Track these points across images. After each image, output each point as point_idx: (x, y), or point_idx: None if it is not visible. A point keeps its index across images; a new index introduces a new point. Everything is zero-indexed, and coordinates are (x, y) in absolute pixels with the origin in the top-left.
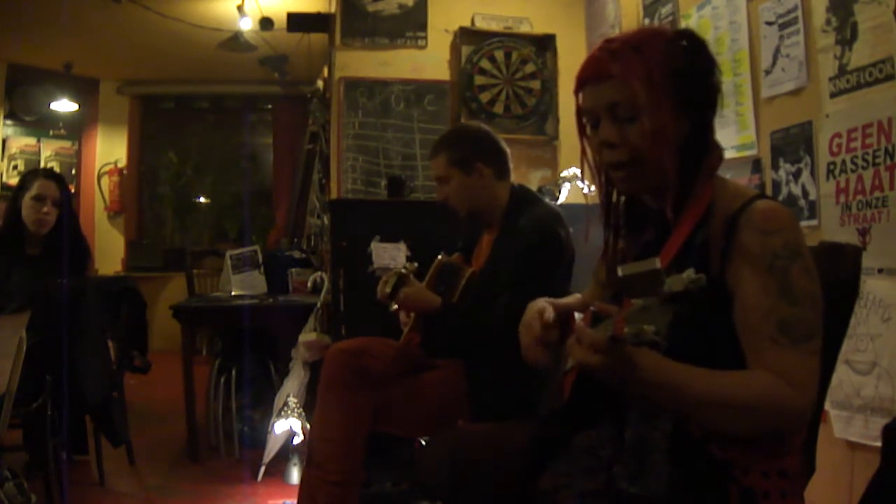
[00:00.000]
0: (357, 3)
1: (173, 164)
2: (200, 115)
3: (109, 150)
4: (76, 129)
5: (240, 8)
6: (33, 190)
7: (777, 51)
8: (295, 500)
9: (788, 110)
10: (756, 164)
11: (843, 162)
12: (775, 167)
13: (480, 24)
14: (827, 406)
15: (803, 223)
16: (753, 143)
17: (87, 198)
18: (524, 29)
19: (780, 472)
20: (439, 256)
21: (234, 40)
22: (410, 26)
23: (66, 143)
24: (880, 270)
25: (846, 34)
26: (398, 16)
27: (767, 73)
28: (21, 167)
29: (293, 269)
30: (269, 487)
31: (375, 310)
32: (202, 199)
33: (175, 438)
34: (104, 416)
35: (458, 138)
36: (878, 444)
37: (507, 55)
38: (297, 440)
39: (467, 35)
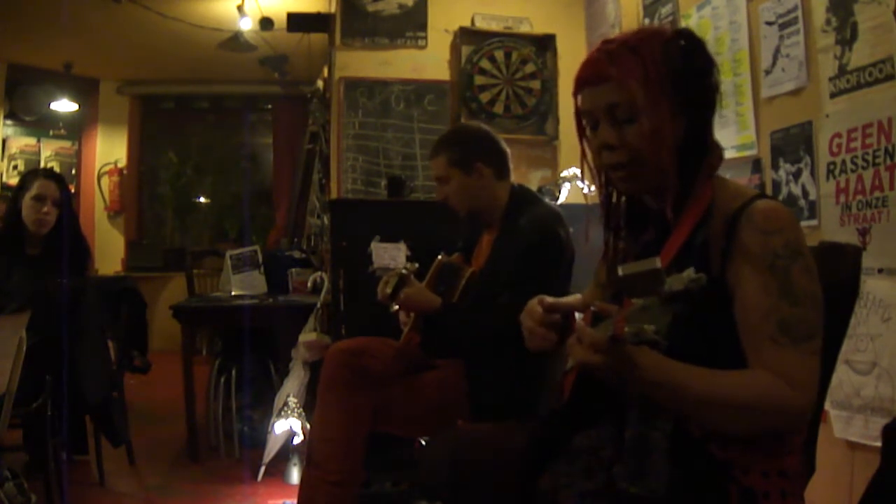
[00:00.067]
0: (357, 3)
1: (173, 164)
2: (200, 115)
3: (109, 150)
4: (76, 129)
5: (240, 8)
6: (33, 190)
7: (777, 51)
8: (295, 500)
9: (788, 110)
10: (756, 164)
11: (843, 162)
12: (775, 167)
13: (480, 24)
14: (827, 406)
15: (803, 223)
16: (753, 143)
17: (87, 198)
18: (524, 29)
19: (780, 472)
20: (439, 256)
21: (234, 40)
22: (410, 26)
23: (66, 143)
24: (880, 270)
25: (846, 34)
26: (398, 16)
27: (767, 73)
28: (21, 167)
29: (293, 269)
30: (269, 487)
31: (375, 310)
32: (202, 199)
33: (175, 438)
34: (104, 416)
35: (458, 138)
36: (878, 444)
37: (507, 55)
38: (297, 440)
39: (467, 35)
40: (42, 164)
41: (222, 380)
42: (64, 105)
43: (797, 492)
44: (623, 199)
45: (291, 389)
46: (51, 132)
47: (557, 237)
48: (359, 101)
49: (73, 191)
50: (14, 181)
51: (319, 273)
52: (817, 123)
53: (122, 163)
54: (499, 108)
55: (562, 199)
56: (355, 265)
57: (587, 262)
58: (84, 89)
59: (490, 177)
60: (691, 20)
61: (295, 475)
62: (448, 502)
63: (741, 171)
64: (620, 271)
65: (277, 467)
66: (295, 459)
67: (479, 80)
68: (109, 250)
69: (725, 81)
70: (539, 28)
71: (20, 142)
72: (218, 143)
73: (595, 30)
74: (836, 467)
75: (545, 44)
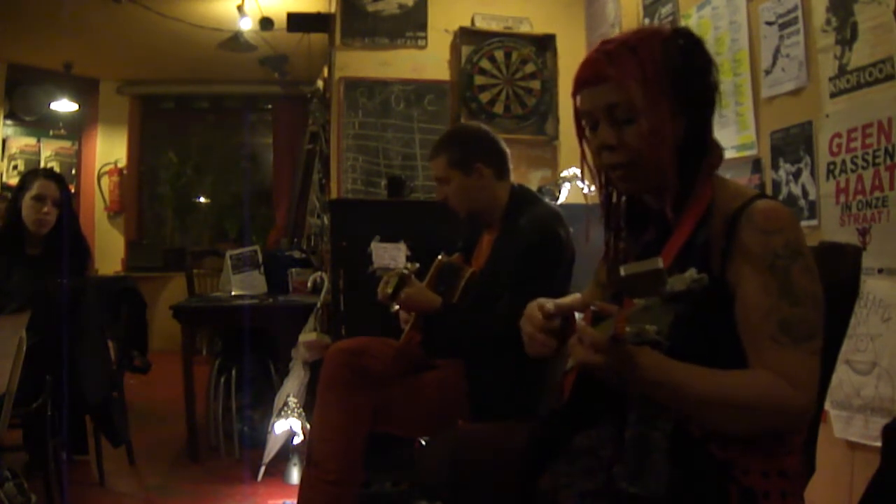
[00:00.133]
0: (357, 3)
1: (173, 164)
2: (200, 115)
3: (109, 150)
4: (76, 129)
5: (240, 8)
6: (33, 190)
7: (777, 51)
8: (295, 500)
9: (788, 110)
10: (756, 164)
11: (843, 162)
12: (775, 167)
13: (480, 24)
14: (827, 406)
15: (803, 223)
16: (753, 143)
17: (87, 198)
18: (524, 29)
19: (780, 472)
20: (439, 256)
21: (234, 40)
22: (410, 26)
23: (66, 143)
24: (880, 270)
25: (846, 34)
26: (398, 16)
27: (767, 73)
28: (21, 167)
29: (293, 269)
30: (269, 487)
31: (375, 310)
32: (202, 199)
33: (175, 438)
34: (104, 416)
35: (457, 139)
36: (878, 444)
37: (507, 55)
38: (297, 440)
39: (467, 35)
40: (42, 164)
41: (222, 380)
42: (64, 105)
43: (797, 492)
44: (623, 198)
45: (291, 389)
46: (51, 132)
47: (557, 237)
48: (359, 101)
49: (73, 191)
50: (14, 181)
51: (319, 273)
52: (817, 123)
53: (122, 163)
54: (499, 108)
55: (562, 199)
56: (355, 265)
57: (587, 262)
58: (84, 89)
59: (490, 177)
60: (691, 20)
61: (295, 475)
62: (448, 502)
63: (741, 171)
64: (622, 271)
65: (277, 467)
66: (295, 459)
67: (479, 80)
68: (109, 250)
69: (725, 81)
70: (539, 28)
71: (20, 142)
72: (218, 143)
73: (595, 30)
74: (836, 467)
75: (545, 44)
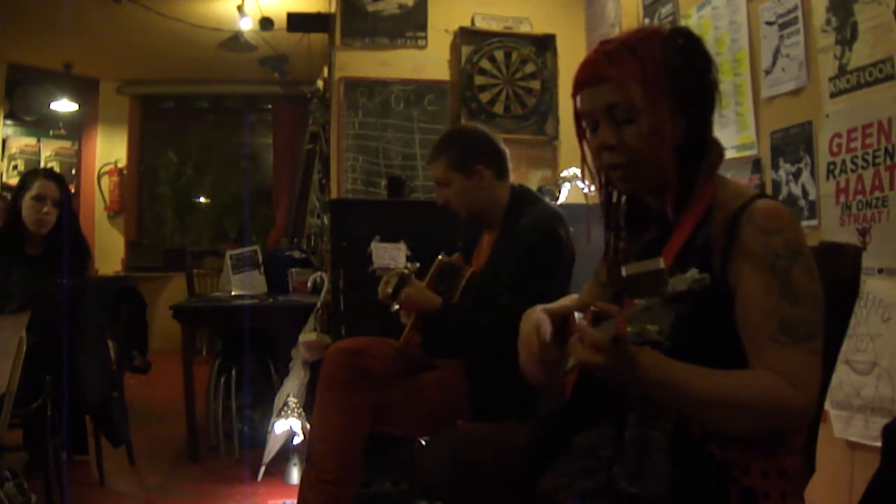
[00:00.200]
0: (357, 3)
1: (173, 164)
2: (200, 115)
3: (109, 150)
4: (76, 129)
5: (240, 8)
6: (33, 190)
7: (777, 51)
8: (295, 500)
9: (788, 110)
10: (756, 164)
11: (843, 162)
12: (775, 167)
13: (480, 24)
14: (827, 406)
15: (803, 223)
16: (753, 143)
17: (87, 198)
18: (524, 29)
19: (780, 472)
20: (440, 256)
21: (234, 40)
22: (410, 26)
23: (66, 143)
24: (880, 270)
25: (846, 34)
26: (398, 16)
27: (767, 73)
28: (21, 167)
29: (293, 269)
30: (269, 487)
31: (375, 310)
32: (202, 199)
33: (175, 438)
34: (104, 416)
35: (456, 141)
36: (878, 444)
37: (507, 55)
38: (297, 440)
39: (467, 35)
40: (42, 164)
41: (222, 380)
42: (64, 105)
43: (797, 492)
44: (623, 198)
45: (291, 389)
46: (51, 132)
47: (558, 237)
48: (359, 101)
49: (73, 191)
50: (14, 181)
51: (319, 273)
52: (817, 123)
53: (122, 163)
54: (499, 108)
55: (562, 199)
56: (355, 265)
57: (587, 262)
58: (84, 89)
59: (490, 178)
60: (691, 20)
61: (295, 475)
62: (448, 502)
63: (741, 171)
64: (624, 272)
65: (277, 467)
66: (295, 459)
67: (479, 80)
68: (109, 250)
69: (725, 81)
70: (539, 28)
71: (20, 142)
72: (218, 143)
73: (595, 30)
74: (836, 467)
75: (545, 44)
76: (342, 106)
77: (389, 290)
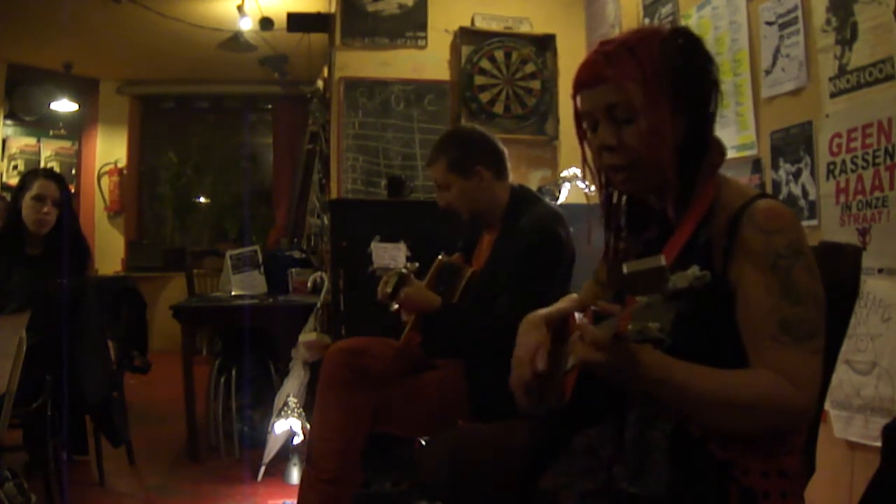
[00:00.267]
0: (357, 3)
1: (173, 164)
2: (200, 115)
3: (109, 150)
4: (76, 129)
5: (240, 8)
6: (33, 190)
7: (777, 51)
8: (295, 500)
9: (788, 110)
10: (756, 164)
11: (843, 162)
12: (775, 167)
13: (480, 24)
14: (827, 406)
15: (803, 223)
16: (753, 143)
17: (87, 198)
18: (524, 29)
19: (780, 472)
20: (440, 256)
21: (234, 40)
22: (410, 26)
23: (66, 143)
24: (880, 270)
25: (846, 34)
26: (398, 16)
27: (767, 73)
28: (21, 167)
29: (293, 269)
30: (269, 487)
31: (375, 310)
32: (202, 199)
33: (175, 438)
34: (104, 416)
35: (454, 143)
36: (878, 444)
37: (507, 55)
38: (297, 440)
39: (467, 35)
40: (42, 164)
41: (222, 380)
42: (64, 105)
43: (797, 492)
44: (624, 199)
45: (291, 389)
46: (51, 132)
47: (558, 237)
48: (359, 101)
49: (73, 191)
50: (14, 181)
51: (319, 273)
52: (817, 123)
53: (122, 163)
54: (499, 108)
55: (562, 199)
56: (355, 265)
57: (588, 262)
58: (84, 89)
59: (490, 178)
60: (691, 20)
61: (295, 475)
62: (448, 502)
63: (741, 171)
64: (625, 269)
65: (277, 467)
66: (295, 459)
67: (479, 80)
68: (109, 250)
69: (725, 81)
70: (539, 28)
71: (20, 142)
72: (218, 143)
73: (595, 30)
74: (836, 467)
75: (545, 44)
76: (342, 106)
77: (388, 289)
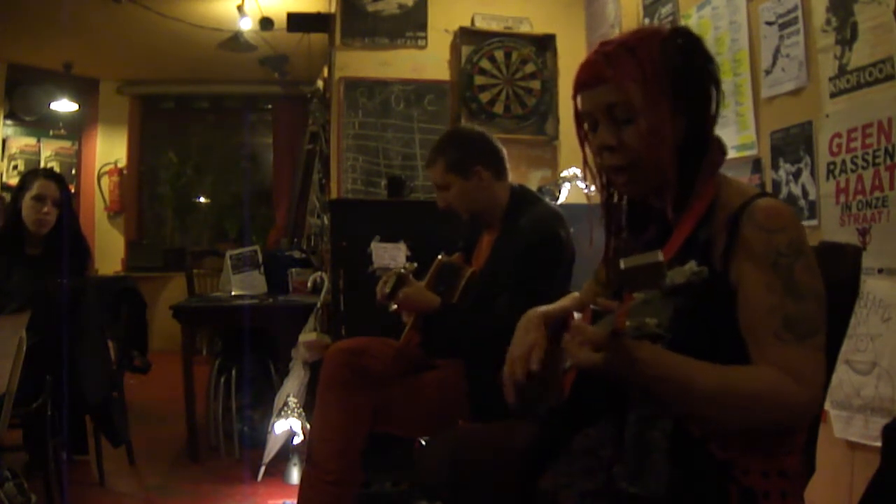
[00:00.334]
0: (357, 3)
1: (173, 164)
2: (200, 115)
3: (109, 150)
4: (76, 129)
5: (240, 8)
6: (33, 190)
7: (777, 51)
8: (295, 500)
9: (788, 110)
10: (756, 164)
11: (843, 162)
12: (775, 167)
13: (480, 24)
14: (827, 406)
15: (803, 223)
16: (753, 143)
17: (87, 198)
18: (524, 29)
19: (780, 472)
20: (439, 256)
21: (234, 40)
22: (410, 26)
23: (66, 143)
24: (880, 270)
25: (846, 34)
26: (398, 16)
27: (767, 73)
28: (21, 167)
29: (293, 269)
30: (269, 487)
31: (375, 310)
32: (202, 199)
33: (175, 438)
34: (104, 416)
35: (453, 143)
36: (878, 444)
37: (507, 55)
38: (297, 440)
39: (467, 35)
40: (42, 164)
41: (222, 380)
42: (64, 105)
43: (797, 492)
44: (624, 199)
45: (291, 389)
46: (51, 132)
47: (557, 237)
48: (359, 101)
49: (73, 191)
50: (14, 181)
51: (319, 273)
52: (817, 123)
53: (122, 163)
54: (499, 108)
55: (562, 199)
56: (355, 265)
57: (588, 262)
58: (84, 89)
59: (489, 178)
60: (691, 20)
61: (295, 475)
62: (448, 502)
63: (741, 171)
64: (622, 264)
65: (277, 467)
66: (295, 459)
67: (479, 80)
68: (109, 250)
69: (725, 81)
70: (539, 28)
71: (20, 142)
72: (218, 143)
73: (595, 30)
74: (836, 467)
75: (545, 44)
76: (342, 106)
77: (387, 290)
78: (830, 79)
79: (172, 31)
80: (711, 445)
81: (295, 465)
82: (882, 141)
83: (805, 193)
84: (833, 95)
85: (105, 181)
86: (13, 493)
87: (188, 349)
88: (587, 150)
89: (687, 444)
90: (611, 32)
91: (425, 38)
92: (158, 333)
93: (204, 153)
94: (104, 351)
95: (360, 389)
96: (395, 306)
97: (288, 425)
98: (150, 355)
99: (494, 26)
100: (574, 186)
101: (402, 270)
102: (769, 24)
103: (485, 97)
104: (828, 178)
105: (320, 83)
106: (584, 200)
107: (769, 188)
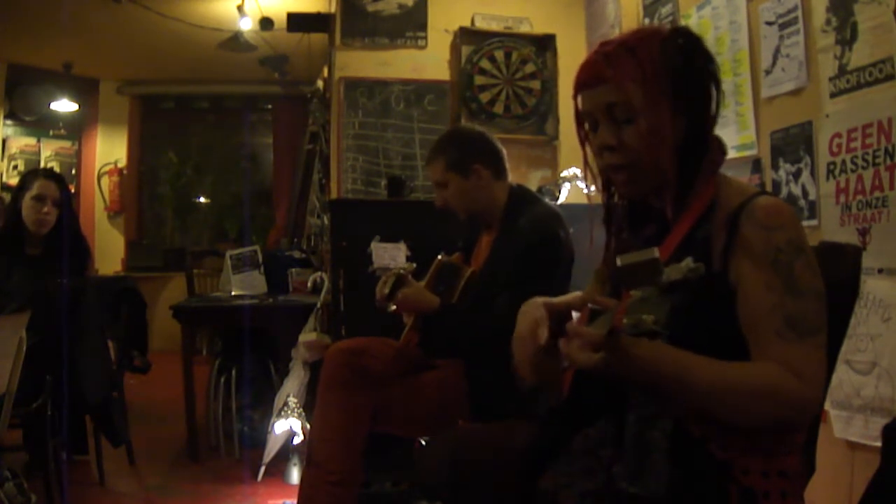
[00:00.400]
0: (357, 3)
1: (173, 164)
2: (200, 115)
3: (109, 150)
4: (76, 129)
5: (240, 8)
6: (33, 190)
7: (777, 51)
8: (295, 500)
9: (788, 110)
10: (756, 164)
11: (843, 162)
12: (775, 167)
13: (480, 24)
14: (827, 406)
15: (803, 223)
16: (753, 143)
17: (87, 198)
18: (524, 29)
19: (780, 472)
20: (439, 256)
21: (234, 40)
22: (410, 26)
23: (66, 143)
24: (880, 270)
25: (846, 34)
26: (398, 16)
27: (767, 73)
28: (21, 167)
29: (293, 269)
30: (269, 487)
31: (375, 310)
32: (202, 199)
33: (175, 438)
34: (104, 416)
35: (453, 142)
36: (878, 444)
37: (507, 55)
38: (297, 440)
39: (467, 35)
40: (42, 164)
41: (222, 380)
42: (64, 105)
43: (797, 492)
44: (625, 200)
45: (291, 389)
46: (51, 132)
47: (556, 237)
48: (359, 101)
49: (73, 191)
50: (14, 181)
51: (319, 273)
52: (817, 123)
53: (122, 163)
54: (499, 108)
55: (562, 199)
56: (355, 265)
57: (588, 262)
58: (84, 89)
59: (488, 178)
60: (691, 20)
61: (295, 475)
62: (448, 502)
63: (741, 171)
64: (619, 261)
65: (277, 467)
66: (295, 459)
67: (479, 80)
68: (109, 250)
69: (725, 81)
70: (539, 28)
71: (20, 142)
72: (218, 143)
73: (595, 30)
74: (836, 467)
75: (545, 44)
76: (342, 106)
77: (386, 290)
78: (830, 79)
79: (172, 31)
80: (711, 445)
81: (295, 465)
82: (882, 141)
83: (805, 193)
84: (833, 95)
85: (105, 181)
86: (13, 493)
87: (188, 349)
88: (587, 150)
89: (687, 444)
90: (611, 32)
91: (425, 38)
92: (158, 333)
93: (204, 153)
94: (104, 351)
95: (361, 389)
96: (393, 307)
97: (288, 425)
98: (150, 355)
99: (494, 26)
100: (574, 186)
101: (401, 271)
102: (769, 24)
103: (485, 97)
104: (828, 178)
105: (320, 83)
106: (584, 200)
107: (769, 188)
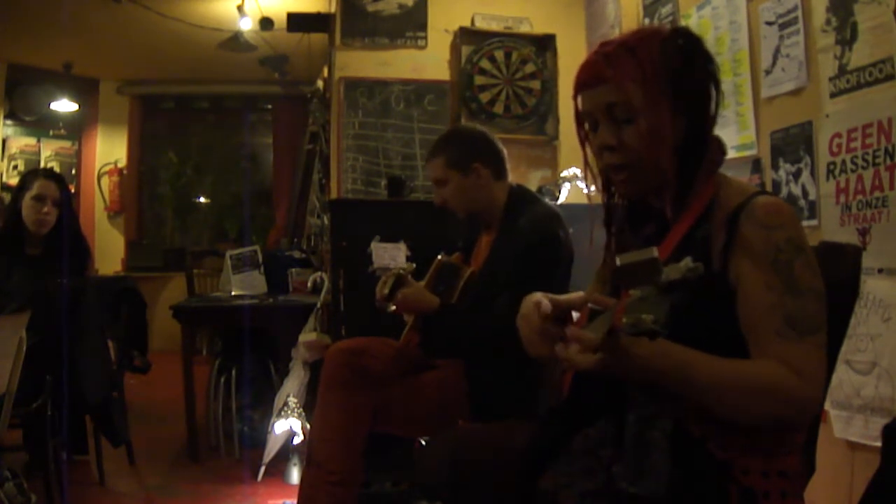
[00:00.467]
0: (357, 3)
1: (173, 164)
2: (200, 115)
3: (109, 150)
4: (76, 129)
5: (240, 8)
6: (33, 190)
7: (777, 51)
8: (295, 500)
9: (788, 110)
10: (756, 164)
11: (843, 162)
12: (775, 167)
13: (480, 24)
14: (827, 406)
15: (803, 223)
16: (753, 143)
17: (87, 198)
18: (524, 29)
19: (780, 472)
20: (439, 256)
21: (234, 40)
22: (410, 26)
23: (66, 143)
24: (880, 270)
25: (846, 34)
26: (398, 16)
27: (767, 73)
28: (21, 167)
29: (293, 269)
30: (269, 487)
31: (375, 310)
32: (202, 199)
33: (175, 438)
34: (104, 416)
35: (454, 140)
36: (878, 444)
37: (507, 55)
38: (297, 440)
39: (467, 35)
40: (42, 164)
41: (222, 380)
42: (64, 105)
43: (797, 492)
44: (625, 200)
45: (291, 389)
46: (51, 132)
47: (556, 237)
48: (359, 101)
49: (73, 191)
50: (14, 181)
51: (319, 273)
52: (817, 123)
53: (122, 163)
54: (499, 108)
55: (562, 199)
56: (355, 265)
57: (588, 263)
58: (84, 89)
59: (488, 177)
60: (691, 20)
61: (295, 475)
62: (448, 502)
63: (741, 171)
64: (618, 261)
65: (277, 467)
66: (295, 459)
67: (479, 80)
68: (109, 250)
69: (725, 81)
70: (539, 28)
71: (20, 142)
72: (218, 143)
73: (595, 30)
74: (836, 467)
75: (545, 44)
76: (342, 106)
77: (386, 290)
78: (830, 79)
79: (172, 31)
80: (711, 445)
81: (295, 465)
82: (882, 141)
83: (805, 193)
84: (833, 95)
85: (105, 181)
86: (13, 493)
87: (188, 349)
88: (588, 150)
89: (687, 444)
90: (611, 32)
91: (425, 38)
92: (158, 333)
93: (204, 153)
94: (104, 351)
95: (361, 389)
96: (393, 307)
97: (288, 425)
98: (150, 355)
99: (494, 26)
100: (574, 186)
101: (401, 271)
102: (769, 24)
103: (485, 97)
104: (828, 178)
105: (320, 83)
106: (584, 200)
107: (769, 188)
